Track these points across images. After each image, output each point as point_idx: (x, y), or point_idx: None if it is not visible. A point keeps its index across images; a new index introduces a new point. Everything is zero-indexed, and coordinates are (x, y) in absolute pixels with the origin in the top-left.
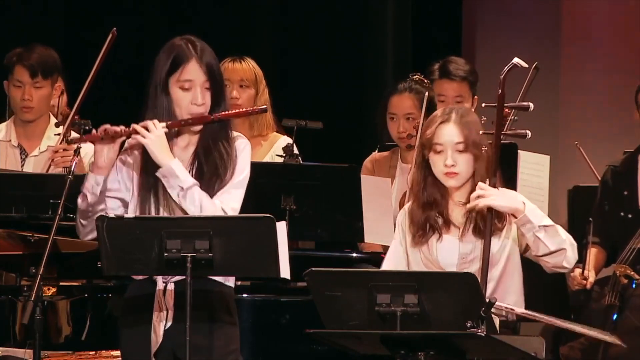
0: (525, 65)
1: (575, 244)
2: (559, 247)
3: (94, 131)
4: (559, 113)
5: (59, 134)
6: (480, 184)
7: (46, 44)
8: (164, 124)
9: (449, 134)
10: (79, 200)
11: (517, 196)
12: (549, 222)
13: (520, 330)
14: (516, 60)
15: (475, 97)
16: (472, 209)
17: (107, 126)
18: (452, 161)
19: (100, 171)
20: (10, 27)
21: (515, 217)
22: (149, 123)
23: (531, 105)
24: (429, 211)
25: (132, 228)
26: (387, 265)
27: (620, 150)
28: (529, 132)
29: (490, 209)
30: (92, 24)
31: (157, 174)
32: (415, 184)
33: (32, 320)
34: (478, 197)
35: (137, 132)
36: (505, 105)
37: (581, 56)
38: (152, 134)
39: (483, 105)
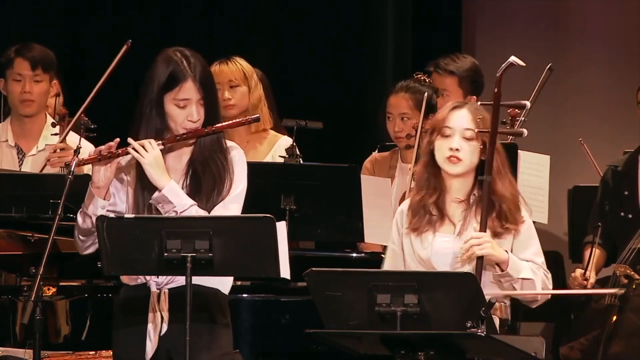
0: (522, 63)
1: (547, 298)
2: (531, 299)
3: (90, 153)
4: (559, 113)
5: (55, 134)
6: (473, 233)
7: (46, 44)
8: (159, 142)
9: (461, 117)
10: (79, 219)
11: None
12: (527, 275)
13: (520, 330)
14: (512, 58)
15: (472, 97)
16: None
17: (102, 148)
18: (457, 145)
19: (99, 191)
20: (10, 27)
21: (502, 270)
22: (145, 142)
23: (528, 103)
24: (427, 198)
25: (132, 228)
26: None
27: (621, 150)
28: (525, 131)
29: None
30: (92, 23)
31: (152, 200)
32: (419, 172)
33: (32, 320)
34: (472, 245)
35: (134, 150)
36: (501, 103)
37: (581, 56)
38: (150, 154)
39: (479, 103)
